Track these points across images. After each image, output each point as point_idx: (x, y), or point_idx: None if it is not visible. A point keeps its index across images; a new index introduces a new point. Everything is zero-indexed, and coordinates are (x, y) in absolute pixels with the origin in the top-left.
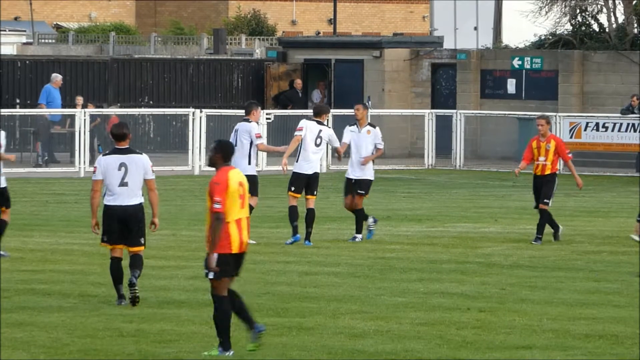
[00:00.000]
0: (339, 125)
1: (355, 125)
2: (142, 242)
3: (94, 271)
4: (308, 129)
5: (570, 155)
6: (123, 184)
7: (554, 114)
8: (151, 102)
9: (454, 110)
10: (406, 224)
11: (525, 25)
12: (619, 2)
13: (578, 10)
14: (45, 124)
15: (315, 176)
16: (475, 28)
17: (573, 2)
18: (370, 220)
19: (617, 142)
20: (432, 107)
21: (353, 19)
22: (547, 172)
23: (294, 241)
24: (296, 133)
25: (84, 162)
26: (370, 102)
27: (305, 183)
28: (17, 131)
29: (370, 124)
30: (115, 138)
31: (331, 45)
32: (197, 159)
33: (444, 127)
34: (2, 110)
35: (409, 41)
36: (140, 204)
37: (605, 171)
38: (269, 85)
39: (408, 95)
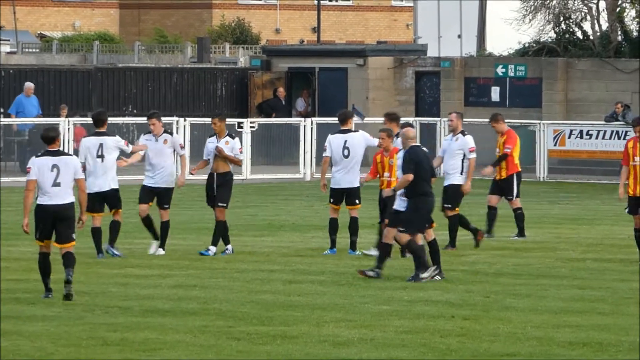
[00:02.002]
0: (324, 134)
1: (215, 137)
2: (73, 237)
3: (77, 280)
4: (333, 143)
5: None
6: (56, 184)
7: (538, 121)
8: (135, 111)
9: (438, 118)
10: None
11: (509, 33)
12: (603, 10)
13: (562, 18)
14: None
15: (348, 190)
16: (459, 36)
17: (557, 9)
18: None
19: (601, 150)
20: (416, 115)
21: (337, 27)
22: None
23: (330, 253)
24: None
25: None
26: (356, 110)
27: (342, 195)
28: (1, 140)
29: (229, 134)
30: (45, 141)
31: (315, 53)
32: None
33: (428, 135)
34: None
35: (393, 49)
36: (72, 202)
37: (589, 179)
38: (253, 94)
39: (392, 103)
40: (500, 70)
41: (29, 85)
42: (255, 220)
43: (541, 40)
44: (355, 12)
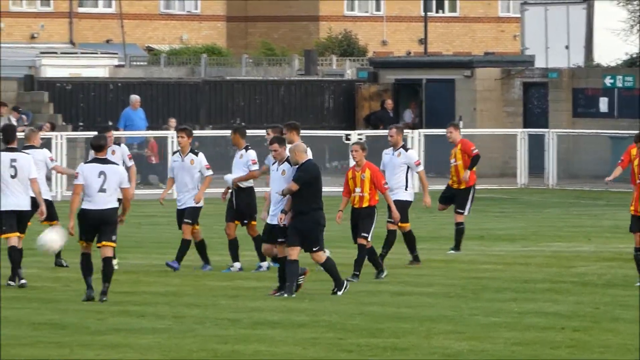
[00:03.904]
0: (432, 145)
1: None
2: (114, 239)
3: (187, 292)
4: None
5: (386, 186)
6: (102, 190)
7: None
8: (243, 123)
9: (547, 130)
10: (499, 243)
11: (617, 43)
12: None
13: None
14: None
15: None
16: (567, 47)
17: None
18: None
19: None
20: (524, 126)
21: (444, 39)
22: (365, 204)
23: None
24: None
25: None
26: (461, 122)
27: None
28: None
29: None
30: (94, 149)
31: (422, 65)
32: None
33: (536, 146)
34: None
35: (500, 60)
36: (115, 208)
37: None
38: (360, 106)
39: (500, 115)
40: (608, 81)
41: (135, 98)
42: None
43: None
44: (462, 24)
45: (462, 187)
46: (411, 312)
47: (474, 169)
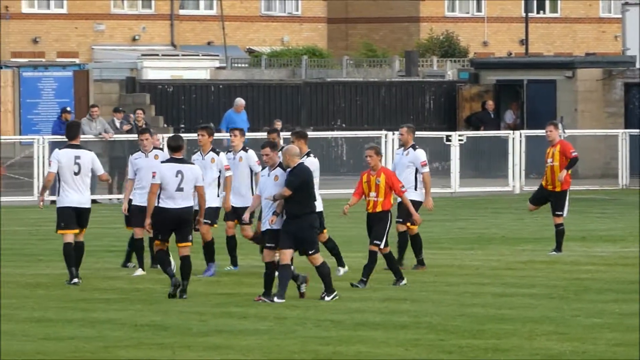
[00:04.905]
0: (533, 146)
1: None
2: (190, 239)
3: (288, 294)
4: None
5: (404, 189)
6: (179, 189)
7: None
8: (344, 125)
9: None
10: (601, 244)
11: None
12: None
13: None
14: None
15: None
16: None
17: None
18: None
19: None
20: (626, 127)
21: (545, 39)
22: (379, 209)
23: None
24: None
25: None
26: (563, 123)
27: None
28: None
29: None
30: (171, 149)
31: (523, 65)
32: None
33: (637, 147)
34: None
35: (602, 61)
36: (192, 206)
37: None
38: (461, 107)
39: (601, 115)
40: None
41: (241, 102)
42: (465, 234)
43: None
44: (563, 24)
45: (558, 189)
46: (513, 313)
47: (569, 171)
